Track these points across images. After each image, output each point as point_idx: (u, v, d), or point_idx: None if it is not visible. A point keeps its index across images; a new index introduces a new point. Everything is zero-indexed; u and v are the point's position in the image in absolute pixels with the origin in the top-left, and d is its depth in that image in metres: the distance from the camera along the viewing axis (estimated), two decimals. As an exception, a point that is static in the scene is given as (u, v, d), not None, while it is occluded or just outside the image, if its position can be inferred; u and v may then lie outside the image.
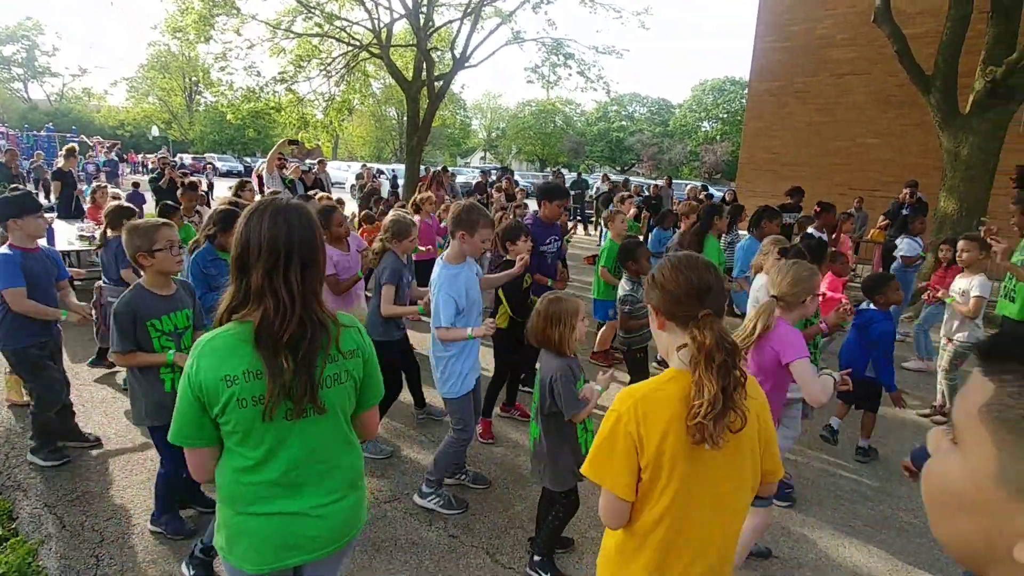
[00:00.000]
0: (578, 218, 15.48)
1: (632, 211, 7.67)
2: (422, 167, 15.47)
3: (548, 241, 4.58)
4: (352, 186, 17.77)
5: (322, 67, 15.32)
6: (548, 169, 40.14)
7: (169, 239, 2.63)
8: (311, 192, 7.60)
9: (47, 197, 11.93)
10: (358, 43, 14.81)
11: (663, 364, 4.56)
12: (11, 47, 45.25)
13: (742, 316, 4.61)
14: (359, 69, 16.33)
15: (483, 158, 52.15)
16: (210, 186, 16.86)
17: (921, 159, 12.47)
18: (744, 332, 2.46)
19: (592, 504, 3.19)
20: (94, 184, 9.77)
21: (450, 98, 24.90)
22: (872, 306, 3.83)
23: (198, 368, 1.37)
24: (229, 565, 1.51)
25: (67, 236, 7.07)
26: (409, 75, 14.86)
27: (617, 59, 15.96)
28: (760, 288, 3.54)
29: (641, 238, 7.46)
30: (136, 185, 11.00)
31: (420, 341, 4.80)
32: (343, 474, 1.55)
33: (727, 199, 13.49)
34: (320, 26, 14.25)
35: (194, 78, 38.16)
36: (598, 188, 16.20)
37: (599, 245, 8.73)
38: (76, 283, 5.98)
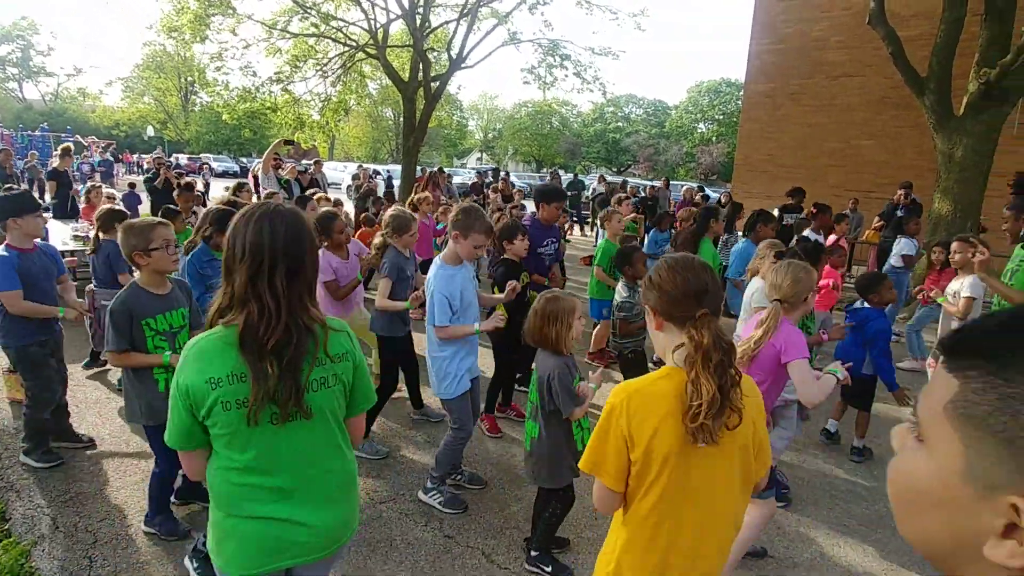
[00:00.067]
0: (574, 219, 15.50)
1: (631, 215, 7.68)
2: (418, 168, 15.46)
3: (545, 243, 4.58)
4: (348, 187, 17.76)
5: (318, 67, 15.30)
6: (545, 170, 40.18)
7: (165, 238, 2.63)
8: (311, 192, 7.56)
9: (41, 197, 11.86)
10: (354, 43, 14.80)
11: (659, 365, 4.56)
12: (6, 47, 45.04)
13: (735, 318, 4.62)
14: (355, 70, 16.32)
15: (479, 159, 52.18)
16: (206, 186, 16.82)
17: (915, 161, 12.53)
18: (751, 341, 2.47)
19: (588, 504, 3.20)
20: (89, 184, 9.73)
21: (446, 99, 24.94)
22: (866, 305, 3.87)
23: (184, 372, 1.38)
24: (217, 567, 1.51)
25: (62, 236, 7.03)
26: (405, 76, 14.86)
27: (613, 60, 16.05)
28: (755, 292, 3.55)
29: (639, 240, 7.48)
30: (132, 186, 10.94)
31: (418, 341, 4.78)
32: (335, 480, 1.54)
33: (723, 201, 13.55)
34: (316, 26, 14.23)
35: (190, 78, 38.10)
36: (594, 189, 16.23)
37: (595, 246, 8.74)
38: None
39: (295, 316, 1.40)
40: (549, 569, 2.70)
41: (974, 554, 0.48)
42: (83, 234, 6.89)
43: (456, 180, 18.69)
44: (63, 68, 78.80)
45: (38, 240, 3.40)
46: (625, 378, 4.32)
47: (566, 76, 15.70)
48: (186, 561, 2.62)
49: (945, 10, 7.84)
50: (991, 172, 7.94)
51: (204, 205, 8.11)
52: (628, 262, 4.31)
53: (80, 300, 3.68)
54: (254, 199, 7.09)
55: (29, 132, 25.67)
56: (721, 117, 43.38)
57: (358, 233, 6.22)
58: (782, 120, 15.17)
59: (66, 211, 8.88)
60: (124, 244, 2.61)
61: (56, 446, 3.51)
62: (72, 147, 10.42)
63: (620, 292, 4.32)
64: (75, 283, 4.17)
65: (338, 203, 7.29)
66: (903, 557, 2.99)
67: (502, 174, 18.29)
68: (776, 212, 8.31)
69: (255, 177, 9.10)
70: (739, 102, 26.23)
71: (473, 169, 29.90)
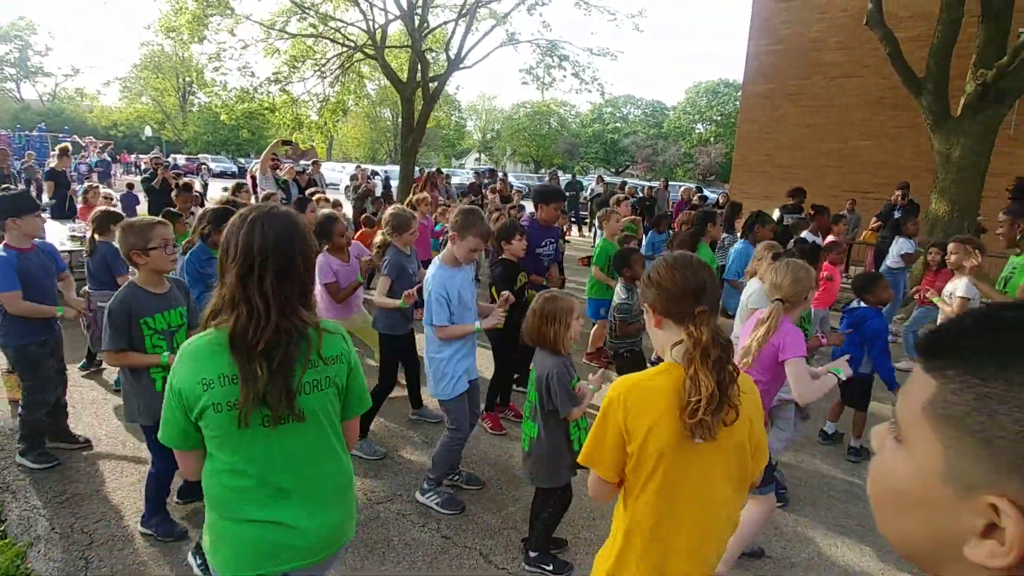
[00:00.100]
0: (572, 220, 15.50)
1: (629, 216, 7.69)
2: (416, 168, 15.45)
3: (544, 243, 4.58)
4: (347, 187, 17.73)
5: (316, 68, 15.27)
6: (543, 170, 40.18)
7: (164, 238, 2.63)
8: (310, 192, 7.55)
9: (39, 197, 11.82)
10: (353, 44, 14.78)
11: (658, 364, 4.56)
12: (3, 47, 44.92)
13: (731, 318, 4.63)
14: (354, 70, 16.29)
15: (478, 159, 52.16)
16: (205, 187, 16.79)
17: (913, 161, 12.54)
18: (753, 340, 2.47)
19: (585, 505, 3.20)
20: (86, 184, 9.70)
21: (445, 99, 24.93)
22: (863, 304, 3.89)
23: (178, 373, 1.39)
24: (213, 568, 1.51)
25: (59, 237, 7.01)
26: (404, 76, 14.85)
27: (611, 61, 15.96)
28: (752, 294, 3.55)
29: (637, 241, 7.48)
30: (130, 186, 10.93)
31: (420, 340, 4.78)
32: (330, 484, 1.53)
33: (720, 202, 13.57)
34: (314, 27, 14.21)
35: (188, 78, 37.97)
36: (592, 190, 16.24)
37: (593, 246, 8.73)
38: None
39: (286, 318, 1.39)
40: (550, 568, 2.70)
41: (955, 554, 0.48)
42: (80, 234, 6.87)
43: (454, 180, 18.70)
44: (61, 68, 78.69)
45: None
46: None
47: (564, 77, 15.71)
48: (189, 557, 2.63)
49: (942, 11, 7.86)
50: (987, 172, 7.96)
51: (202, 205, 8.09)
52: (626, 263, 4.32)
53: (80, 299, 3.67)
54: (252, 200, 7.09)
55: (26, 132, 25.59)
56: (719, 118, 43.43)
57: (359, 234, 6.21)
58: (780, 121, 15.18)
59: (64, 211, 8.86)
60: (123, 243, 2.61)
61: (52, 446, 3.50)
62: (70, 147, 10.41)
63: (619, 294, 4.33)
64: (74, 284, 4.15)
65: (337, 204, 7.28)
66: (900, 557, 2.99)
67: (500, 175, 18.28)
68: (777, 212, 8.35)
69: (253, 177, 9.10)
70: (737, 103, 26.26)
71: (472, 170, 29.92)
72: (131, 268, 4.08)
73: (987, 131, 7.66)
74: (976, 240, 4.45)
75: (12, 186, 8.85)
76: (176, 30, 13.55)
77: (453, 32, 15.08)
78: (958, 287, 4.30)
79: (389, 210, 4.07)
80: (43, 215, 3.51)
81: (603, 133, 48.58)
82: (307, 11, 13.86)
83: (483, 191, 13.83)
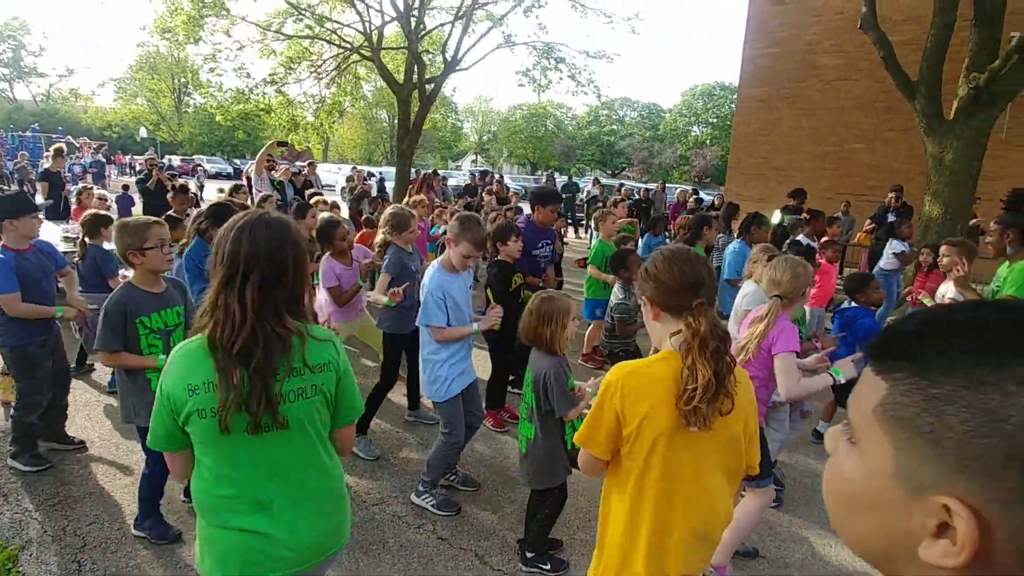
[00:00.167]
0: (569, 222, 15.52)
1: (625, 218, 7.70)
2: (412, 170, 15.45)
3: (540, 245, 4.59)
4: (343, 188, 17.68)
5: (312, 69, 15.26)
6: (540, 172, 40.23)
7: (160, 237, 2.62)
8: (309, 194, 7.53)
9: (32, 198, 11.75)
10: (349, 45, 14.78)
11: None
12: (-3, 47, 44.74)
13: (726, 319, 4.64)
14: (350, 71, 16.30)
15: (474, 161, 52.16)
16: (200, 188, 16.75)
17: (906, 164, 12.63)
18: (752, 336, 2.49)
19: (581, 506, 3.20)
20: (80, 185, 9.65)
21: (441, 101, 24.91)
22: (853, 304, 3.94)
23: (168, 377, 1.39)
24: (201, 572, 1.51)
25: (53, 238, 6.97)
26: (400, 78, 14.85)
27: (608, 63, 16.11)
28: (746, 295, 3.57)
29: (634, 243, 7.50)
30: (126, 187, 10.87)
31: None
32: (316, 494, 1.51)
33: (716, 204, 13.62)
34: (311, 28, 14.21)
35: (183, 79, 37.88)
36: (589, 191, 16.27)
37: (589, 248, 8.75)
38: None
39: (264, 322, 1.38)
40: (547, 567, 2.71)
41: (909, 554, 0.48)
42: (74, 236, 6.83)
43: (451, 182, 18.70)
44: (56, 69, 78.30)
45: None
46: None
47: (561, 79, 15.76)
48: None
49: (936, 15, 7.92)
50: (980, 176, 8.02)
51: (198, 206, 8.06)
52: (623, 264, 4.34)
53: (82, 298, 3.66)
54: (249, 200, 7.07)
55: (20, 133, 25.46)
56: (715, 120, 43.60)
57: (359, 235, 6.20)
58: (775, 123, 15.25)
59: (58, 212, 8.82)
60: (119, 243, 2.60)
61: (46, 447, 3.48)
62: (64, 148, 10.36)
63: (616, 294, 4.35)
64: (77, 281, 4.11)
65: (335, 206, 7.26)
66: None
67: (496, 176, 18.29)
68: (778, 213, 8.39)
69: (248, 178, 9.08)
70: (733, 105, 26.37)
71: (469, 172, 29.93)
72: (121, 272, 4.10)
73: (979, 135, 7.72)
74: (968, 243, 4.48)
75: (5, 187, 8.79)
76: (172, 31, 13.52)
77: (450, 34, 15.10)
78: (949, 290, 4.33)
79: (388, 210, 4.08)
80: (40, 216, 3.49)
81: (599, 135, 48.68)
82: (303, 12, 13.85)
83: (479, 193, 13.83)
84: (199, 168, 24.22)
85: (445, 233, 3.81)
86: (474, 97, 54.72)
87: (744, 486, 2.68)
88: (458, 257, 3.09)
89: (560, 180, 18.15)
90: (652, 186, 15.57)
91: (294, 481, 1.47)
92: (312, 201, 6.35)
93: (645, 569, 1.45)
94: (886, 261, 7.08)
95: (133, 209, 9.86)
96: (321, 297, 4.03)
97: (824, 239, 6.17)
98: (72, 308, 3.43)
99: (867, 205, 11.72)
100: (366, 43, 14.46)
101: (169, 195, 6.91)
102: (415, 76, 14.49)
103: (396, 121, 16.92)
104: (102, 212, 4.66)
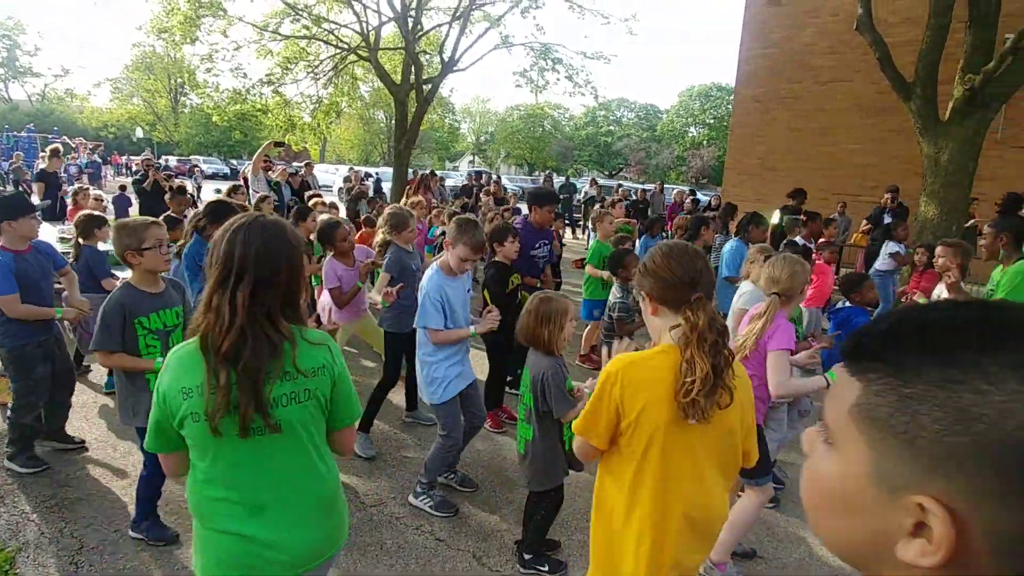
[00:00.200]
0: (566, 222, 15.53)
1: (622, 219, 7.72)
2: (410, 171, 15.44)
3: (538, 245, 4.59)
4: (340, 189, 17.66)
5: (309, 69, 15.24)
6: (537, 173, 40.23)
7: (158, 238, 2.62)
8: (308, 195, 7.52)
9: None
10: (346, 46, 14.76)
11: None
12: (-9, 47, 44.53)
13: (724, 318, 4.66)
14: (347, 72, 16.27)
15: (471, 162, 52.14)
16: (198, 189, 16.69)
17: (902, 165, 12.67)
18: (750, 333, 2.51)
19: (579, 507, 3.21)
20: (76, 185, 9.63)
21: (438, 102, 24.88)
22: (848, 304, 3.97)
23: (164, 379, 1.39)
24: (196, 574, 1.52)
25: (49, 238, 6.95)
26: (397, 78, 14.83)
27: (605, 64, 16.06)
28: (743, 295, 3.58)
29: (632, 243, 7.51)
30: (123, 188, 10.84)
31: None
32: (308, 498, 1.50)
33: (713, 204, 13.65)
34: (308, 28, 14.18)
35: (180, 79, 37.73)
36: (586, 192, 16.28)
37: (587, 248, 8.76)
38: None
39: (255, 325, 1.37)
40: (545, 569, 2.71)
41: (887, 554, 0.48)
42: (69, 236, 6.81)
43: (448, 183, 18.69)
44: (51, 68, 77.89)
45: None
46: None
47: (558, 80, 15.75)
48: None
49: (931, 17, 7.95)
50: (975, 176, 8.06)
51: (195, 207, 8.05)
52: (621, 264, 4.35)
53: (83, 299, 3.64)
54: (247, 201, 7.05)
55: (15, 133, 25.33)
56: (712, 121, 43.69)
57: (359, 235, 6.20)
58: (772, 124, 15.29)
59: (55, 213, 8.80)
60: (117, 243, 2.60)
61: (45, 447, 3.47)
62: (61, 149, 10.32)
63: (614, 293, 4.36)
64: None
65: (333, 206, 7.24)
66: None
67: (494, 177, 18.29)
68: (777, 213, 8.42)
69: (245, 179, 9.06)
70: (729, 106, 26.43)
71: (467, 172, 29.95)
72: (113, 273, 4.09)
73: (975, 135, 7.76)
74: (964, 244, 4.50)
75: (2, 188, 8.76)
76: (168, 31, 13.48)
77: (447, 34, 15.10)
78: (943, 292, 4.35)
79: (387, 210, 4.09)
80: (38, 216, 3.48)
81: (597, 136, 48.73)
82: (300, 13, 13.82)
83: (477, 193, 13.83)
84: (196, 169, 24.11)
85: (443, 235, 3.82)
86: (471, 98, 54.89)
87: (743, 483, 2.69)
88: (455, 260, 3.09)
89: (557, 181, 18.17)
90: (650, 187, 15.60)
91: (287, 486, 1.47)
92: (311, 203, 6.34)
93: (643, 560, 1.46)
94: (882, 262, 7.11)
95: (130, 210, 9.83)
96: (325, 297, 4.05)
97: (821, 240, 6.20)
98: (72, 309, 3.42)
99: (863, 205, 11.77)
100: (363, 43, 14.44)
101: (167, 196, 6.89)
102: (412, 77, 14.48)
103: (393, 122, 16.92)
104: (96, 213, 4.65)
